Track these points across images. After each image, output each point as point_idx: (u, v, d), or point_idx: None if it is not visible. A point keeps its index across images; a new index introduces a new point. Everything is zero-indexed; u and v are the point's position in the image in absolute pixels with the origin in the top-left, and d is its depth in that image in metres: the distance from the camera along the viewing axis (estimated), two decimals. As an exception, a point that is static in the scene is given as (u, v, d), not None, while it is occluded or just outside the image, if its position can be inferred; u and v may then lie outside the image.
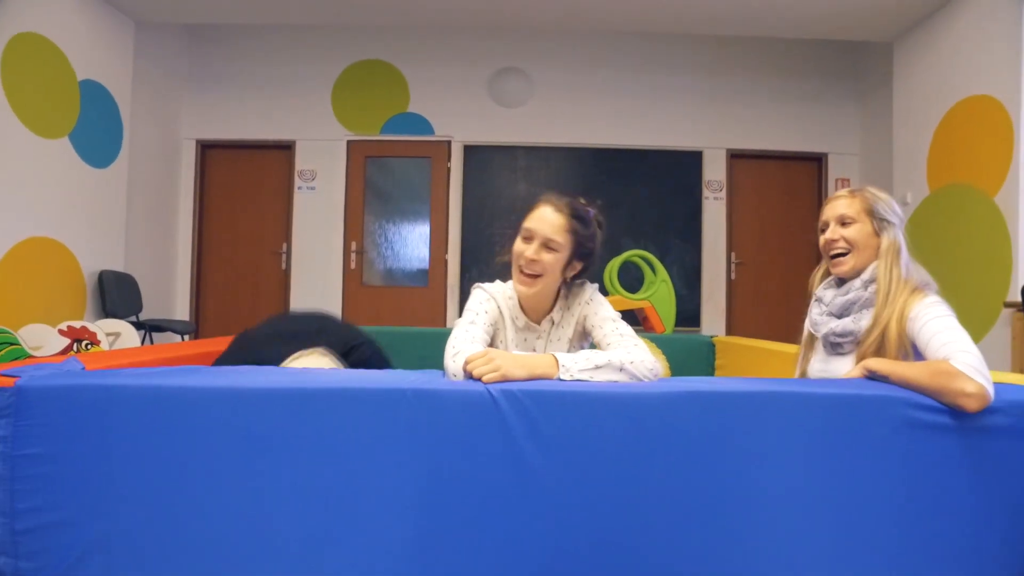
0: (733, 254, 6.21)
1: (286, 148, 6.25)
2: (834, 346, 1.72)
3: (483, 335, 1.65)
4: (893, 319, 1.59)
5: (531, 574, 1.36)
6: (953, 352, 1.43)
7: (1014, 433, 1.40)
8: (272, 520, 1.39)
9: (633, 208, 6.12)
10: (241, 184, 6.30)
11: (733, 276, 6.20)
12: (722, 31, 5.35)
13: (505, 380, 1.41)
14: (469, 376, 1.44)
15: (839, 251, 1.72)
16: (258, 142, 6.24)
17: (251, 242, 6.26)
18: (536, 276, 1.68)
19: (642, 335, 1.75)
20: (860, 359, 1.58)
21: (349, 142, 6.22)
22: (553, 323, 1.79)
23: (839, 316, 1.71)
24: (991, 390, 1.38)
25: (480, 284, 1.80)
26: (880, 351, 1.59)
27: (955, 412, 1.39)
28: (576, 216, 1.70)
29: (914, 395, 1.42)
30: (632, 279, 5.02)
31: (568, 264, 1.71)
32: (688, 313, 6.01)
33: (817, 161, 6.29)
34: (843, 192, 1.78)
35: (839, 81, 6.23)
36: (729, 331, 6.06)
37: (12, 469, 1.38)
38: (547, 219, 1.67)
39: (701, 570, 1.38)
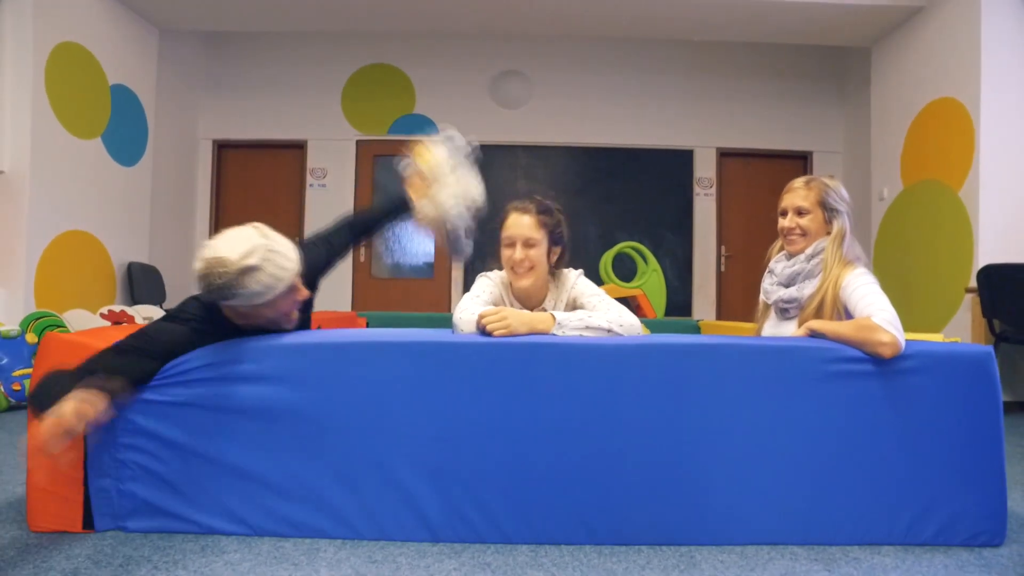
0: (723, 247, 6.54)
1: (298, 147, 6.57)
2: (783, 311, 2.06)
3: (486, 306, 2.00)
4: (829, 288, 1.92)
5: (534, 478, 1.70)
6: (874, 311, 1.77)
7: (922, 376, 1.74)
8: (321, 444, 1.72)
9: (628, 204, 6.46)
10: (255, 182, 6.62)
11: (723, 268, 6.53)
12: (712, 36, 5.65)
13: (512, 334, 1.74)
14: (481, 330, 1.78)
15: (794, 237, 2.06)
16: (271, 142, 6.56)
17: (265, 237, 6.58)
18: (530, 269, 2.02)
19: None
20: (802, 322, 1.91)
21: (358, 142, 6.54)
22: (546, 312, 2.11)
23: (786, 285, 2.05)
24: (902, 340, 1.72)
25: (485, 273, 2.14)
26: (819, 314, 1.92)
27: (876, 360, 1.73)
28: (541, 211, 2.04)
29: (844, 347, 1.76)
30: (626, 270, 5.36)
31: (549, 251, 2.04)
32: (680, 303, 6.36)
33: (803, 159, 6.62)
34: (800, 183, 2.11)
35: (823, 83, 6.56)
36: (719, 320, 6.38)
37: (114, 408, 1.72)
38: (521, 223, 2.02)
39: (669, 479, 1.71)
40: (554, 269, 2.12)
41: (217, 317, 1.78)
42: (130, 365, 1.64)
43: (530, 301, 2.11)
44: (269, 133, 6.52)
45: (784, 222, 2.09)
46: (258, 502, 1.73)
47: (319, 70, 6.51)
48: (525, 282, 2.03)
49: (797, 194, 2.07)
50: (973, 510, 1.73)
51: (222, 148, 6.60)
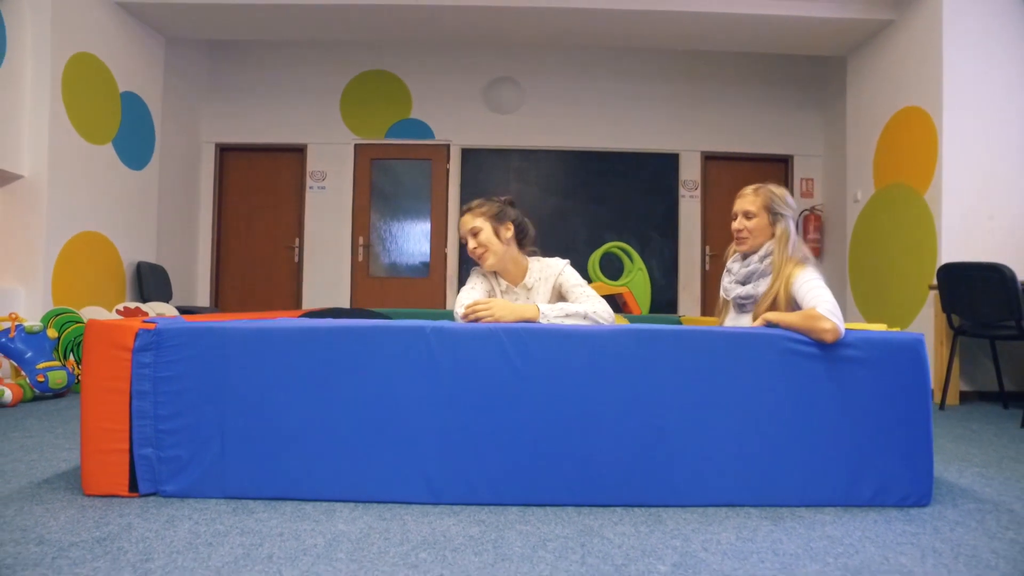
0: (707, 247, 6.81)
1: (298, 151, 6.80)
2: (741, 306, 2.33)
3: (481, 296, 2.26)
4: (782, 285, 2.19)
5: (522, 447, 1.95)
6: (818, 302, 2.03)
7: (861, 359, 2.00)
8: (335, 419, 1.97)
9: (616, 205, 6.72)
10: (257, 184, 6.85)
11: (707, 267, 6.80)
12: (697, 46, 5.90)
13: (497, 322, 1.99)
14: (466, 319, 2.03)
15: (743, 237, 2.33)
16: (272, 145, 6.79)
17: (266, 237, 6.82)
18: (485, 251, 2.33)
19: (620, 316, 2.34)
20: (756, 315, 2.17)
21: (356, 146, 6.78)
22: (528, 288, 2.37)
23: (743, 283, 2.32)
24: (842, 327, 1.98)
25: (475, 267, 2.41)
26: (772, 308, 2.18)
27: (820, 345, 1.99)
28: (477, 205, 2.34)
29: (793, 334, 2.02)
30: (614, 269, 5.61)
31: (497, 232, 2.32)
32: (666, 300, 6.62)
33: (784, 162, 6.90)
34: (749, 190, 2.37)
35: (804, 90, 6.84)
36: (703, 316, 6.64)
37: (155, 386, 1.97)
38: (464, 222, 2.36)
39: (640, 449, 1.97)
40: (522, 246, 2.39)
41: None
42: None
43: (510, 277, 2.39)
44: (270, 137, 6.75)
45: (734, 224, 2.36)
46: (281, 469, 1.97)
47: (318, 77, 6.74)
48: (487, 263, 2.33)
49: (746, 199, 2.34)
50: (904, 476, 1.99)
51: (225, 152, 6.82)
